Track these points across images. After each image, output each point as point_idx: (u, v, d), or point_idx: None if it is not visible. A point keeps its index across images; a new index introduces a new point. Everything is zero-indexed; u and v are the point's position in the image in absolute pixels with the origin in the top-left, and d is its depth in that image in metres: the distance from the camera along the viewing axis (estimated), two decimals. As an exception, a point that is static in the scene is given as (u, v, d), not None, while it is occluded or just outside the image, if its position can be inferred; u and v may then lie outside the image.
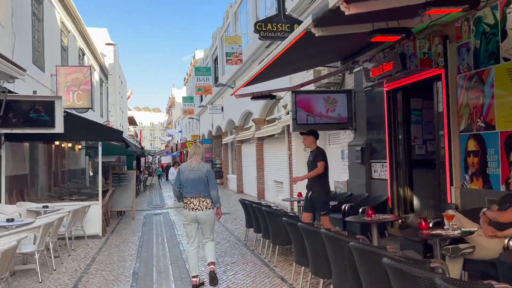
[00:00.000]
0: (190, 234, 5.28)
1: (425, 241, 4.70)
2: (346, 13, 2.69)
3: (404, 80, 6.27)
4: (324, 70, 8.46)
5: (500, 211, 4.08)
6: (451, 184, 5.36)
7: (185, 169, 5.22)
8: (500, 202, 4.25)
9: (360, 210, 6.47)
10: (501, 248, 3.81)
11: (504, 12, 4.53)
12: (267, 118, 15.48)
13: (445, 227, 3.98)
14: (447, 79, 5.40)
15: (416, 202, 6.76)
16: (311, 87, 8.94)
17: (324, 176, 6.18)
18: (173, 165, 15.02)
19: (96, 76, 22.60)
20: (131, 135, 35.74)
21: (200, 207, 5.10)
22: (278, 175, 13.74)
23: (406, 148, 6.69)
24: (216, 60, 25.30)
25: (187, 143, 33.83)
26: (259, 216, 6.77)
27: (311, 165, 6.32)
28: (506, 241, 3.80)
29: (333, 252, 3.83)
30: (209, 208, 5.17)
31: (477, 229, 3.85)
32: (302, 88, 8.39)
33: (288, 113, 11.79)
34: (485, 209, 4.25)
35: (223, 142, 23.27)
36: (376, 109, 7.34)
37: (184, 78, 60.17)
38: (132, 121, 48.97)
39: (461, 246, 3.82)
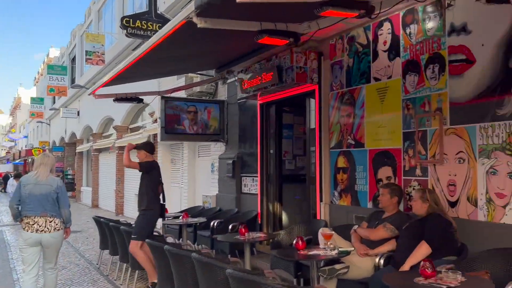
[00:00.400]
0: (28, 260, 4.40)
1: (297, 261, 4.53)
2: (238, 0, 2.27)
3: (278, 94, 6.19)
4: (196, 78, 8.01)
5: (370, 229, 4.10)
6: (321, 200, 5.35)
7: (29, 182, 4.42)
8: (368, 219, 4.29)
9: (230, 227, 6.12)
10: (373, 266, 3.79)
11: (376, 33, 4.70)
12: (131, 126, 14.33)
13: (321, 246, 3.81)
14: (320, 95, 5.44)
15: (285, 217, 6.70)
16: (182, 94, 8.39)
17: (151, 190, 5.28)
18: (14, 176, 12.55)
19: None
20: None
21: (47, 228, 4.35)
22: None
23: (277, 162, 6.60)
24: (74, 59, 22.88)
25: (33, 150, 29.71)
26: (116, 236, 5.88)
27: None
28: (377, 259, 3.79)
29: (205, 280, 3.32)
30: (58, 230, 4.43)
31: (353, 248, 3.77)
32: (173, 95, 7.79)
33: (155, 121, 10.99)
34: (356, 227, 4.24)
35: (77, 151, 20.96)
36: (249, 122, 7.15)
37: (35, 78, 53.53)
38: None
39: (337, 266, 3.69)
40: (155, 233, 6.27)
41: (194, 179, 9.43)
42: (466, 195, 3.69)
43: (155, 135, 11.17)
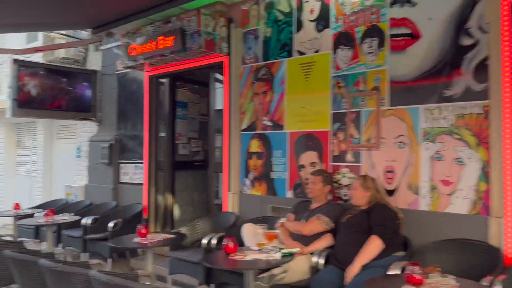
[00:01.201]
0: None
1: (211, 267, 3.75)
2: None
3: (173, 65, 5.21)
4: (61, 40, 6.40)
5: (301, 222, 3.55)
6: (229, 190, 4.63)
7: None
8: (294, 210, 3.75)
9: (111, 225, 4.96)
10: (309, 267, 3.25)
11: (301, 1, 4.14)
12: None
13: (254, 247, 3.10)
14: (231, 69, 4.68)
15: (179, 211, 5.78)
16: (38, 59, 6.67)
17: None
18: None
19: None
20: None
21: None
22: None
23: (169, 147, 5.62)
24: None
25: None
26: None
27: None
28: (314, 258, 3.25)
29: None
30: None
31: (298, 249, 3.15)
32: (27, 59, 6.09)
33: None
34: (283, 220, 3.65)
35: None
36: (131, 98, 5.97)
37: None
38: None
39: (275, 271, 3.03)
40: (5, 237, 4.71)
41: (51, 166, 7.72)
42: (406, 183, 3.41)
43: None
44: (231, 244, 2.96)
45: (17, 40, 7.98)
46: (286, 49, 4.25)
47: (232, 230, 4.06)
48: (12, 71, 5.52)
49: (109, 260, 4.96)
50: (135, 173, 5.85)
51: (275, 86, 4.33)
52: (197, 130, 6.05)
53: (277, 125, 4.29)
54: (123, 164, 6.07)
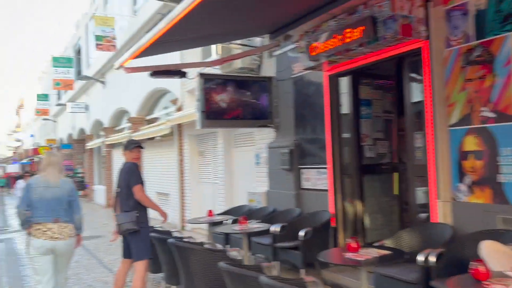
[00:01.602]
0: (43, 270, 4.06)
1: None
2: None
3: (355, 60, 4.77)
4: (237, 50, 6.59)
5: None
6: (438, 197, 3.95)
7: (38, 185, 4.05)
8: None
9: (303, 233, 4.73)
10: None
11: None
12: (147, 118, 12.97)
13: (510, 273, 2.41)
14: (431, 55, 4.01)
15: (369, 220, 5.31)
16: (217, 71, 7.00)
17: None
18: (23, 175, 10.72)
19: None
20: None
21: (62, 235, 4.01)
22: (163, 186, 11.37)
23: (356, 149, 5.19)
24: (79, 51, 21.51)
25: (39, 149, 28.53)
26: (159, 250, 4.53)
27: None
28: None
29: None
30: (72, 236, 4.11)
31: None
32: (207, 71, 6.41)
33: (179, 109, 9.62)
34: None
35: (87, 147, 19.63)
36: (309, 101, 5.75)
37: (38, 77, 52.29)
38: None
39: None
40: (206, 243, 4.89)
41: (231, 173, 8.05)
42: None
43: (179, 126, 9.81)
44: (482, 269, 2.33)
45: (191, 58, 8.59)
46: (510, 21, 3.41)
47: (452, 246, 3.40)
48: (199, 84, 5.83)
49: (302, 271, 4.76)
50: (318, 178, 5.58)
51: (497, 68, 3.51)
52: (382, 130, 5.49)
53: (505, 116, 3.46)
54: (304, 170, 5.86)
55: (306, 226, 4.93)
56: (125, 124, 15.37)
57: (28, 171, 11.38)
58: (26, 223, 4.03)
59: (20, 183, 11.04)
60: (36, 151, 30.81)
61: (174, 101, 9.90)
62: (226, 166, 7.98)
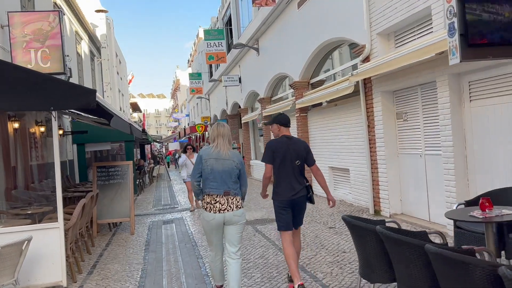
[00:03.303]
0: (214, 241, 3.97)
1: None
2: None
3: None
4: None
5: None
6: None
7: (210, 157, 3.88)
8: None
9: None
10: None
11: None
12: (312, 81, 11.12)
13: None
14: None
15: None
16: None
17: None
18: (185, 149, 9.93)
19: (85, 46, 18.29)
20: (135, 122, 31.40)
21: (230, 206, 3.83)
22: (341, 160, 9.44)
23: None
24: (229, 22, 20.83)
25: (196, 127, 29.57)
26: (393, 255, 2.53)
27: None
28: None
29: None
30: (240, 207, 3.91)
31: None
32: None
33: (366, 59, 7.42)
34: None
35: (242, 121, 18.94)
36: None
37: (188, 60, 55.64)
38: (135, 107, 44.98)
39: None
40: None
41: (462, 140, 5.61)
42: None
43: (366, 82, 7.64)
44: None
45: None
46: None
47: None
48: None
49: None
50: None
51: None
52: None
53: None
54: None
55: None
56: (283, 92, 13.88)
57: (190, 145, 10.76)
58: (200, 195, 3.97)
59: (183, 157, 10.66)
60: (193, 129, 32.18)
61: (358, 50, 7.73)
62: (454, 129, 5.55)
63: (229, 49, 20.28)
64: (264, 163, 4.27)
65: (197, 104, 38.11)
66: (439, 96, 5.72)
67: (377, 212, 7.60)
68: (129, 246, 7.02)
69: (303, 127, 11.31)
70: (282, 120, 4.39)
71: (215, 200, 3.80)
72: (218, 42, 19.31)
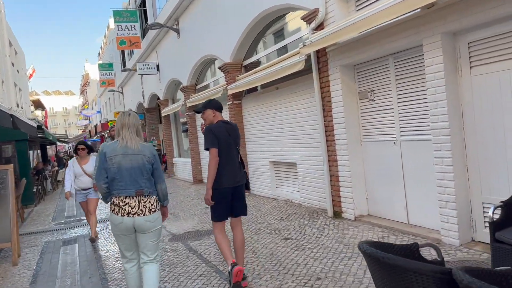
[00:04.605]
0: (127, 248, 3.47)
1: None
2: None
3: None
4: None
5: None
6: None
7: (115, 153, 3.36)
8: None
9: None
10: None
11: None
12: (246, 63, 9.53)
13: None
14: None
15: None
16: None
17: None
18: (76, 150, 6.68)
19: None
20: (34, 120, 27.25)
21: (141, 210, 3.32)
22: (284, 152, 7.96)
23: None
24: (142, 3, 18.45)
25: (109, 123, 26.56)
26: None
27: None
28: None
29: None
30: (154, 211, 3.38)
31: None
32: None
33: (319, 27, 5.99)
34: None
35: (162, 115, 16.77)
36: None
37: (99, 54, 51.16)
38: (38, 105, 40.08)
39: None
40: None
41: (460, 120, 4.36)
42: None
43: (320, 55, 6.24)
44: None
45: None
46: None
47: None
48: None
49: None
50: None
51: None
52: None
53: None
54: None
55: None
56: (212, 78, 12.11)
57: (82, 142, 6.45)
58: (108, 198, 3.43)
59: (70, 164, 6.63)
60: (105, 126, 28.99)
61: (309, 17, 6.27)
62: (450, 106, 4.28)
63: (144, 34, 17.94)
64: (208, 150, 3.89)
65: (109, 98, 34.67)
66: (427, 64, 4.42)
67: (337, 214, 6.23)
68: (6, 285, 4.86)
69: (237, 117, 9.67)
70: (215, 104, 4.11)
71: (125, 202, 3.33)
72: (131, 25, 16.91)
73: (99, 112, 42.45)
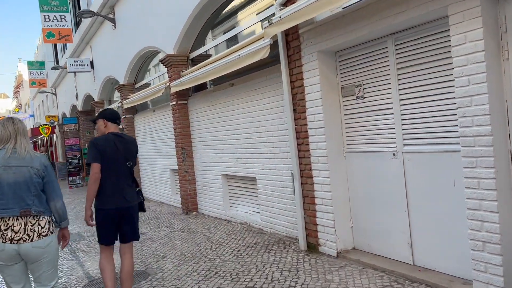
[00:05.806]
0: (14, 280, 2.86)
1: None
2: None
3: None
4: None
5: None
6: None
7: None
8: None
9: None
10: None
11: None
12: (193, 55, 7.90)
13: None
14: None
15: None
16: None
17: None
18: None
19: None
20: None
21: (27, 235, 2.77)
22: (241, 164, 6.39)
23: None
24: (75, -9, 16.23)
25: (40, 129, 23.66)
26: None
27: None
28: None
29: None
30: (45, 235, 2.84)
31: None
32: None
33: (288, 2, 4.53)
34: None
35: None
36: None
37: (35, 54, 47.02)
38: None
39: None
40: None
41: (505, 123, 3.02)
42: None
43: (291, 37, 4.78)
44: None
45: None
46: None
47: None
48: None
49: None
50: None
51: None
52: None
53: None
54: None
55: None
56: (153, 75, 10.32)
57: None
58: None
59: None
60: (36, 131, 25.93)
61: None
62: (492, 103, 2.92)
63: (77, 26, 15.74)
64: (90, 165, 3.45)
65: (42, 101, 31.43)
66: (455, 43, 3.06)
67: (312, 247, 4.75)
68: None
69: (182, 120, 7.99)
70: (108, 114, 3.74)
71: (6, 225, 2.74)
72: (61, 16, 14.72)
73: (31, 116, 38.67)
